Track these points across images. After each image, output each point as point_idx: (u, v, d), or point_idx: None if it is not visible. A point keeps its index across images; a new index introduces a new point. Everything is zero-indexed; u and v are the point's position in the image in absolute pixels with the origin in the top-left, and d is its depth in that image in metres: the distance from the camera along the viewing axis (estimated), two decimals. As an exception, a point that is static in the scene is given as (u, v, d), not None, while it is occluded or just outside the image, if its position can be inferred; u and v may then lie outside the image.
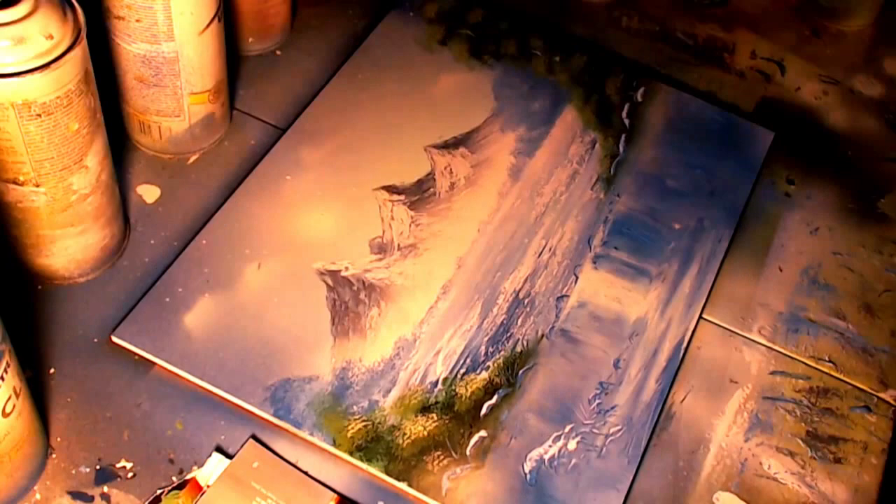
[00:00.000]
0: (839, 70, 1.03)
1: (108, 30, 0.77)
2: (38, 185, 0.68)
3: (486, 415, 0.74)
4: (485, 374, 0.76)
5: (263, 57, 0.96)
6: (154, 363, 0.73)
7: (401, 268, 0.81)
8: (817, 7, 1.07)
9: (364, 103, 0.91)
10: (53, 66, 0.62)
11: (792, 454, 0.75)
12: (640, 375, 0.77)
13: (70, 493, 0.68)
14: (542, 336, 0.78)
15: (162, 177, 0.85)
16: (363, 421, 0.72)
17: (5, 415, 0.60)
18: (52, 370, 0.73)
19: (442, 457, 0.71)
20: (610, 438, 0.74)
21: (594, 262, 0.83)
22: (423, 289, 0.80)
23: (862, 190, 0.93)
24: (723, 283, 0.84)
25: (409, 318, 0.78)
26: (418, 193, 0.86)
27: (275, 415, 0.71)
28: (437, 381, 0.75)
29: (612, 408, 0.75)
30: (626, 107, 0.95)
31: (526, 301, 0.80)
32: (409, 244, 0.82)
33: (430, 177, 0.87)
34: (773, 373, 0.80)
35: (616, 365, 0.78)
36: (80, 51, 0.64)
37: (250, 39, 0.94)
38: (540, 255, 0.83)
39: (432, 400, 0.74)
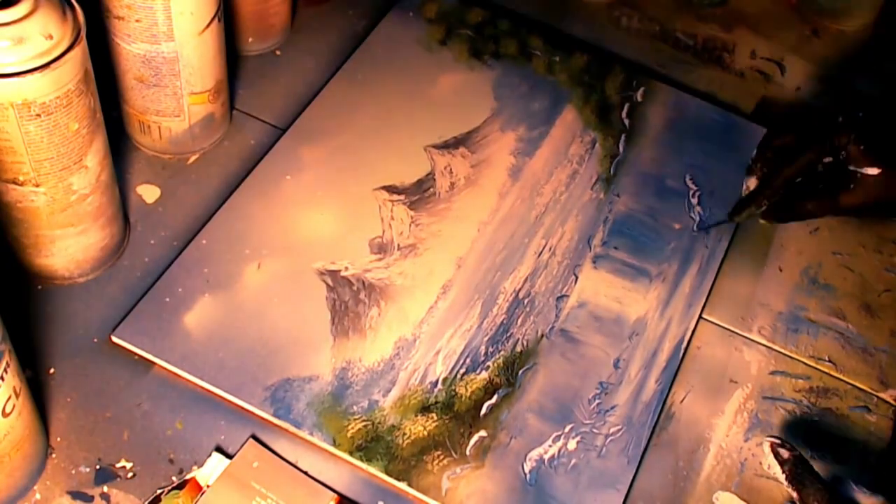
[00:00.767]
0: (839, 70, 1.03)
1: (107, 30, 0.77)
2: (37, 185, 0.68)
3: (485, 415, 0.74)
4: (485, 374, 0.76)
5: (263, 57, 0.96)
6: (154, 363, 0.73)
7: (401, 268, 0.81)
8: (817, 7, 1.07)
9: (364, 103, 0.91)
10: (53, 66, 0.62)
11: (792, 454, 0.75)
12: (640, 375, 0.77)
13: (70, 492, 0.68)
14: (542, 336, 0.78)
15: (162, 177, 0.85)
16: (363, 421, 0.72)
17: (5, 414, 0.60)
18: (52, 370, 0.73)
19: (442, 456, 0.71)
20: (610, 438, 0.74)
21: (594, 262, 0.83)
22: (422, 289, 0.80)
23: (862, 190, 0.93)
24: (723, 282, 0.84)
25: (408, 318, 0.78)
26: (418, 193, 0.86)
27: (275, 415, 0.71)
28: (436, 381, 0.75)
29: (612, 408, 0.75)
30: (626, 107, 0.95)
31: (526, 301, 0.80)
32: (409, 244, 0.82)
33: (430, 177, 0.87)
34: (773, 373, 0.80)
35: (616, 365, 0.78)
36: (80, 51, 0.64)
37: (250, 39, 0.94)
38: (540, 254, 0.83)
39: (432, 400, 0.74)
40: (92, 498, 0.68)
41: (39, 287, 0.77)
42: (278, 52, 0.96)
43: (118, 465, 0.69)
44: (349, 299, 0.78)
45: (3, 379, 0.58)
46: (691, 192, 0.89)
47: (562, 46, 0.98)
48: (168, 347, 0.74)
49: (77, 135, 0.67)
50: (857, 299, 0.85)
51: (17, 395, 0.60)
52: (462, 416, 0.73)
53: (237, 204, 0.83)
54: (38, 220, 0.71)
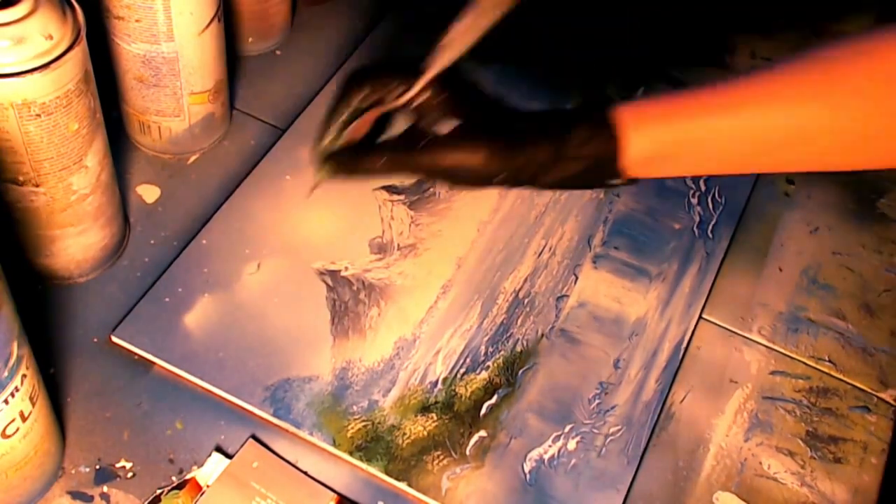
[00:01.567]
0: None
1: (107, 30, 0.77)
2: (37, 185, 0.68)
3: (485, 415, 0.74)
4: (484, 374, 0.76)
5: (263, 57, 0.96)
6: (154, 363, 0.73)
7: (400, 268, 0.81)
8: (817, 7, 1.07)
9: (364, 103, 0.91)
10: (53, 66, 0.62)
11: (792, 454, 0.75)
12: (640, 375, 0.77)
13: (70, 492, 0.68)
14: (542, 336, 0.78)
15: (162, 177, 0.85)
16: (363, 421, 0.72)
17: (23, 419, 0.59)
18: (52, 370, 0.73)
19: (442, 457, 0.71)
20: (610, 438, 0.74)
21: (594, 262, 0.83)
22: (422, 289, 0.80)
23: (862, 190, 0.93)
24: (723, 283, 0.84)
25: (408, 317, 0.78)
26: (418, 193, 0.86)
27: (274, 415, 0.72)
28: (436, 381, 0.75)
29: (612, 408, 0.75)
30: (626, 107, 0.95)
31: (526, 301, 0.80)
32: (409, 244, 0.82)
33: (430, 177, 0.87)
34: (772, 373, 0.80)
35: (616, 365, 0.78)
36: (80, 51, 0.64)
37: (250, 39, 0.94)
38: (540, 254, 0.83)
39: (432, 400, 0.74)
40: (92, 498, 0.68)
41: (39, 287, 0.77)
42: (278, 52, 0.96)
43: (118, 465, 0.69)
44: (349, 299, 0.78)
45: (18, 389, 0.57)
46: (691, 192, 0.89)
47: (562, 46, 0.98)
48: (168, 347, 0.74)
49: (77, 135, 0.67)
50: (857, 299, 0.85)
51: (32, 404, 0.60)
52: (462, 416, 0.73)
53: (237, 204, 0.83)
54: (38, 220, 0.71)
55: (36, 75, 0.62)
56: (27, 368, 0.58)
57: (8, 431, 0.59)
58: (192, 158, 0.87)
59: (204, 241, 0.80)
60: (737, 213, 0.88)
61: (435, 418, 0.73)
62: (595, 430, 0.74)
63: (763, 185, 0.91)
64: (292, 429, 0.71)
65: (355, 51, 0.95)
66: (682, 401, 0.77)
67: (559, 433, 0.73)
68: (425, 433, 0.72)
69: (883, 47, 0.57)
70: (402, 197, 0.85)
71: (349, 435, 0.71)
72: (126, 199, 0.83)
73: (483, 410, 0.74)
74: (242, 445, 0.70)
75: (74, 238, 0.74)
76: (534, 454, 0.72)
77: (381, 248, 0.82)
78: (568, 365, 0.77)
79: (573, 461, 0.72)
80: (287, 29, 0.97)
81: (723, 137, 0.59)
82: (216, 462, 0.69)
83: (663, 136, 0.60)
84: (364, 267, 0.80)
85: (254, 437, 0.71)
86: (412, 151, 0.62)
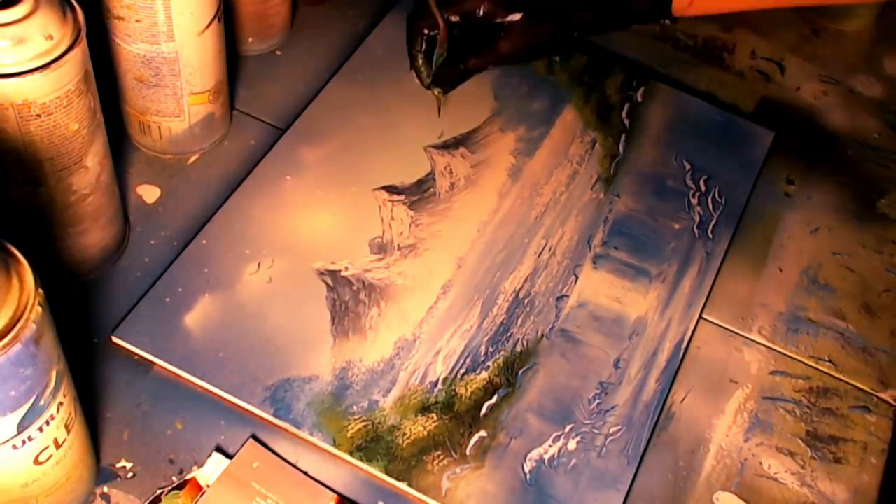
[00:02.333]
0: (839, 70, 1.03)
1: (108, 30, 0.77)
2: (37, 186, 0.68)
3: (485, 415, 0.74)
4: (485, 374, 0.76)
5: (263, 57, 0.96)
6: (154, 363, 0.74)
7: (401, 268, 0.81)
8: (817, 7, 1.07)
9: (364, 103, 0.91)
10: (53, 66, 0.62)
11: (792, 454, 0.75)
12: (640, 375, 0.77)
13: (70, 493, 0.68)
14: (542, 336, 0.78)
15: (162, 177, 0.85)
16: (363, 421, 0.72)
17: (57, 446, 0.59)
18: (52, 370, 0.73)
19: (442, 457, 0.71)
20: (610, 438, 0.74)
21: (594, 262, 0.83)
22: (422, 289, 0.80)
23: (862, 190, 0.93)
24: (723, 283, 0.84)
25: (408, 318, 0.78)
26: (418, 193, 0.86)
27: (275, 415, 0.72)
28: (436, 381, 0.75)
29: (612, 408, 0.75)
30: (626, 107, 0.95)
31: (526, 301, 0.80)
32: (409, 244, 0.82)
33: (430, 177, 0.87)
34: (772, 373, 0.80)
35: (616, 365, 0.78)
36: (80, 51, 0.64)
37: (250, 39, 0.94)
38: (540, 254, 0.83)
39: (432, 400, 0.74)
40: (92, 498, 0.68)
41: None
42: (278, 52, 0.96)
43: (118, 465, 0.69)
44: (349, 299, 0.78)
45: (60, 407, 0.57)
46: (691, 192, 0.89)
47: (562, 46, 0.98)
48: (168, 347, 0.74)
49: (77, 135, 0.67)
50: (857, 299, 0.85)
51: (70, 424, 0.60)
52: (462, 417, 0.73)
53: (237, 204, 0.83)
54: (37, 220, 0.71)
55: (36, 75, 0.62)
56: (64, 396, 0.58)
57: (41, 458, 0.58)
58: (193, 159, 0.87)
59: (204, 242, 0.80)
60: (737, 213, 0.88)
61: (435, 418, 0.73)
62: (595, 430, 0.74)
63: (763, 185, 0.91)
64: (292, 429, 0.71)
65: (355, 51, 0.95)
66: (682, 401, 0.77)
67: (559, 433, 0.73)
68: (425, 433, 0.72)
69: None
70: (402, 197, 0.85)
71: (349, 435, 0.71)
72: (126, 199, 0.83)
73: (483, 410, 0.74)
74: (242, 445, 0.70)
75: (74, 238, 0.74)
76: (534, 454, 0.72)
77: (381, 249, 0.82)
78: (568, 365, 0.77)
79: (573, 461, 0.72)
80: (287, 29, 0.97)
81: None
82: (216, 462, 0.69)
83: None
84: (364, 267, 0.80)
85: (254, 438, 0.71)
86: (497, 41, 0.82)
